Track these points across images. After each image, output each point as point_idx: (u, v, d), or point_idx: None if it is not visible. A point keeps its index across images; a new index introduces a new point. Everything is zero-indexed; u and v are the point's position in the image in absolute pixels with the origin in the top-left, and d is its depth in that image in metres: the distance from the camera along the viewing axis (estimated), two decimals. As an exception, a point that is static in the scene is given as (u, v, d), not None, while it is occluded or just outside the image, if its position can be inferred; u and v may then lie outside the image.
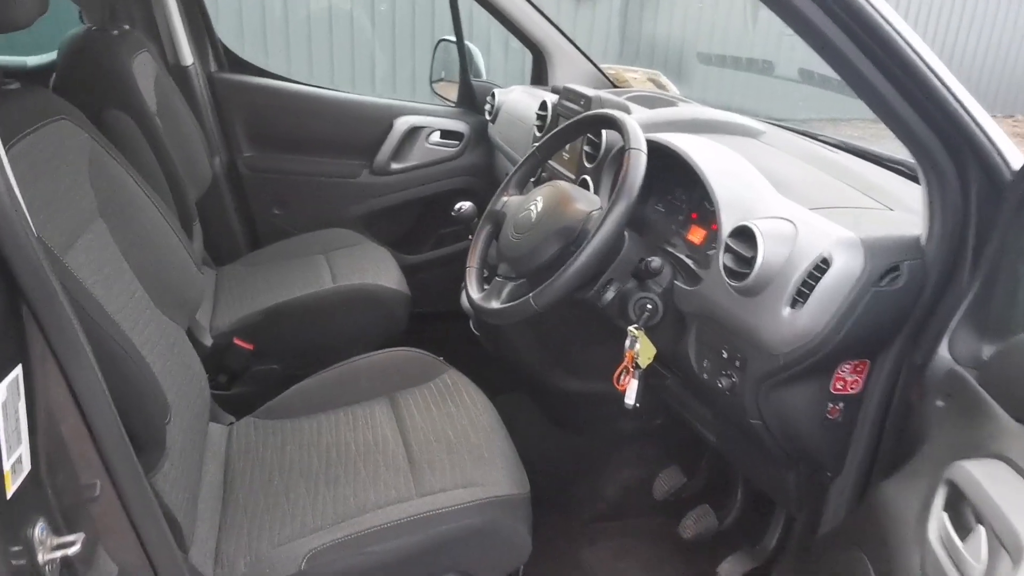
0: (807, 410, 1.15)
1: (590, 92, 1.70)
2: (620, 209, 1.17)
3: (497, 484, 1.24)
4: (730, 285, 1.16)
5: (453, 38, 2.67)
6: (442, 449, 1.32)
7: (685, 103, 1.94)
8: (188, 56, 2.27)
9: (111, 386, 0.80)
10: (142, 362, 1.04)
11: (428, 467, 1.28)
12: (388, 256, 2.20)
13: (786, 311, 1.08)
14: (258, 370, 1.91)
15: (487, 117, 2.46)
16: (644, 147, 1.22)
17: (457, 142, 2.55)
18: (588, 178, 1.61)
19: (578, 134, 1.50)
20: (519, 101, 2.29)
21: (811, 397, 1.14)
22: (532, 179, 1.57)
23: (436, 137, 2.52)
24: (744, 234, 1.15)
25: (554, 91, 2.23)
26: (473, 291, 1.40)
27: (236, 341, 1.88)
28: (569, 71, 2.48)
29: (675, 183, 1.44)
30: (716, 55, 7.66)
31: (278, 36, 6.20)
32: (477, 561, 1.21)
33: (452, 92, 2.74)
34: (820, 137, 1.65)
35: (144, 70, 1.90)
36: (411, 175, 2.53)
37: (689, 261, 1.34)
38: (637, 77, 2.39)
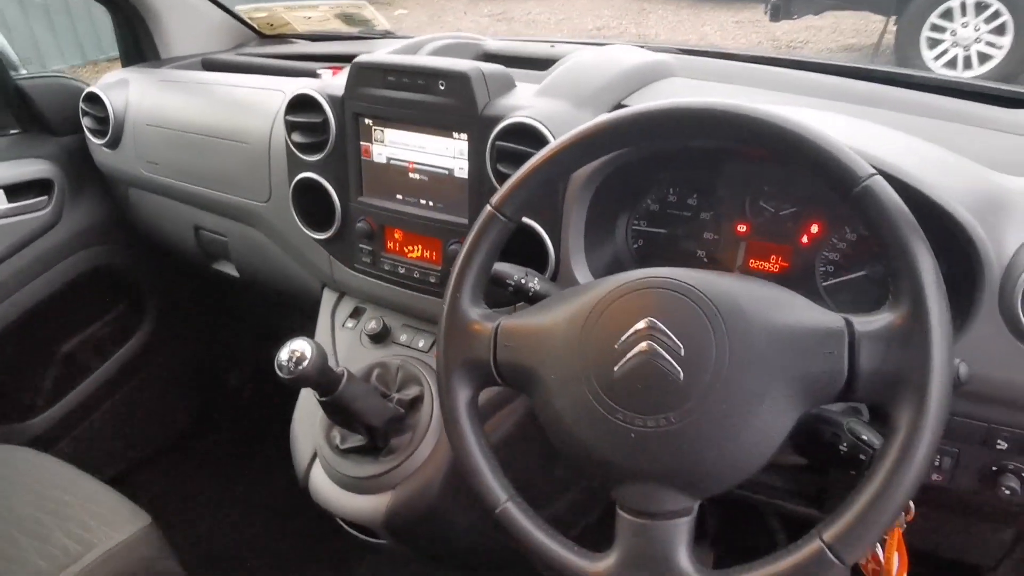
0: None
1: (451, 64, 0.91)
2: (934, 282, 0.56)
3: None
4: None
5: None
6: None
7: (483, 40, 1.25)
8: None
9: None
10: None
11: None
12: (26, 455, 1.13)
13: None
14: None
15: (95, 139, 1.36)
16: (871, 167, 0.60)
17: (42, 197, 1.39)
18: (532, 223, 0.89)
19: (621, 146, 0.73)
20: (173, 100, 1.27)
21: None
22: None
23: None
24: None
25: (239, 69, 1.32)
26: (569, 557, 0.64)
27: None
28: (189, 28, 1.51)
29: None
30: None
31: None
32: None
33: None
34: (737, 55, 1.18)
35: None
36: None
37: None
38: (317, 16, 1.53)
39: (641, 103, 0.66)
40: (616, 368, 0.61)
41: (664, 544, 0.59)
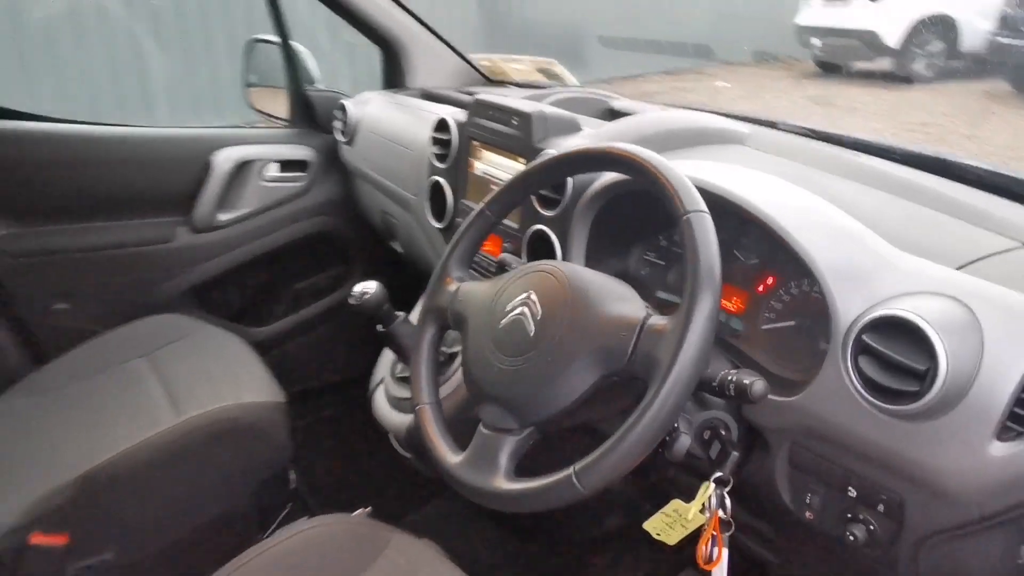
0: (997, 565, 0.78)
1: (524, 106, 1.22)
2: (705, 312, 0.71)
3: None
4: (874, 404, 0.76)
5: (267, 37, 2.05)
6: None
7: (616, 98, 1.51)
8: None
9: None
10: None
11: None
12: (239, 344, 1.60)
13: (994, 447, 0.70)
14: (80, 569, 1.27)
15: (340, 137, 1.89)
16: (704, 206, 0.77)
17: (302, 173, 1.95)
18: (548, 231, 1.14)
19: (552, 180, 1.01)
20: (386, 115, 1.74)
21: (1007, 547, 0.77)
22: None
23: (274, 170, 1.91)
24: (892, 327, 0.74)
25: (444, 100, 1.73)
26: (442, 450, 0.88)
27: (36, 538, 1.22)
28: (432, 67, 1.97)
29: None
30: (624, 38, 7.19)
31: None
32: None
33: (274, 104, 2.13)
34: (818, 133, 1.29)
35: None
36: (247, 226, 1.90)
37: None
38: (523, 68, 1.93)
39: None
40: (501, 322, 0.85)
41: (494, 451, 0.82)
